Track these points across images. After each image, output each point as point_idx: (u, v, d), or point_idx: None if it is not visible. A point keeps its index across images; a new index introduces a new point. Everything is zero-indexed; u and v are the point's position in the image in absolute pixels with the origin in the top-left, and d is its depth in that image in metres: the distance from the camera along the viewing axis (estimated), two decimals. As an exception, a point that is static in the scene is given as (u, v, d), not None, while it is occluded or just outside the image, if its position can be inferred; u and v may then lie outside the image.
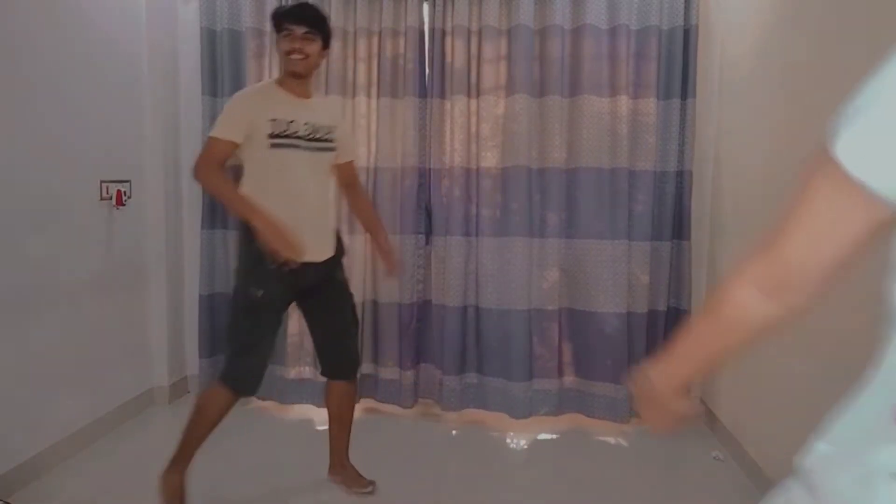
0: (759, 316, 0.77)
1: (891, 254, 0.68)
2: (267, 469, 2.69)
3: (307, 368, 3.27)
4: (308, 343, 3.25)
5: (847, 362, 1.99)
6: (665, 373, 1.01)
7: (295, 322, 3.26)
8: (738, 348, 0.87)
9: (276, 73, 3.21)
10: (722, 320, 0.84)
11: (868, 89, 0.69)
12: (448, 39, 3.14)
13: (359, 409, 3.08)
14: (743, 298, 0.77)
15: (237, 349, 2.19)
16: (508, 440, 3.04)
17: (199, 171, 2.10)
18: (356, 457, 2.68)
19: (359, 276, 3.17)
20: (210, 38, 3.24)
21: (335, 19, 3.12)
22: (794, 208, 0.74)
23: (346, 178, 2.45)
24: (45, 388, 2.59)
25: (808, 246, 0.73)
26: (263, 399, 3.30)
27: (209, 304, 3.35)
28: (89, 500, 2.42)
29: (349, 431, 2.50)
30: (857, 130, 0.64)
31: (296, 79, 2.19)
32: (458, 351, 3.18)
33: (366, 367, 3.27)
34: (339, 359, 2.40)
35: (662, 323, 3.19)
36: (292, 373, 3.28)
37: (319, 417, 3.12)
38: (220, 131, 2.11)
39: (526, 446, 2.99)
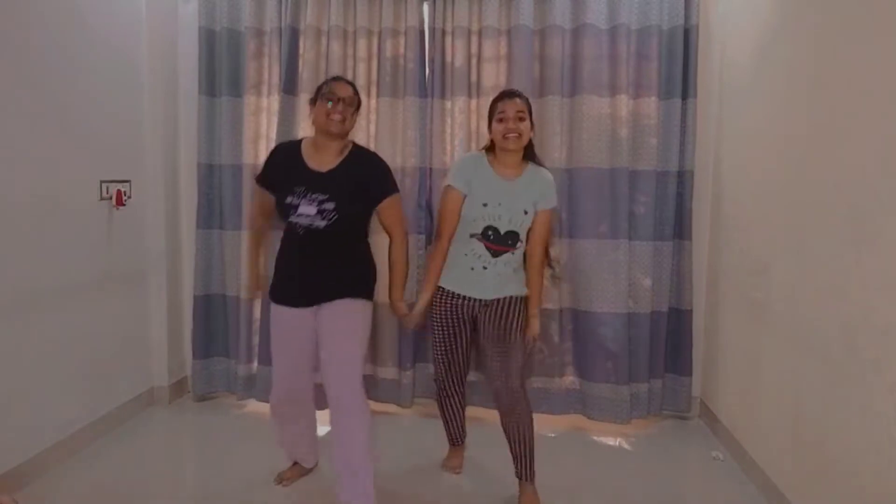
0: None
1: None
2: (263, 470, 2.69)
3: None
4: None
5: (847, 362, 2.01)
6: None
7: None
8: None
9: (275, 74, 3.22)
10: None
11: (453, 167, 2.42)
12: (448, 39, 3.14)
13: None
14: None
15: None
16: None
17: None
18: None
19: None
20: (209, 38, 3.24)
21: (335, 19, 3.12)
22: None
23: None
24: (45, 389, 2.59)
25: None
26: (261, 401, 3.31)
27: (204, 304, 3.35)
28: (89, 500, 2.42)
29: None
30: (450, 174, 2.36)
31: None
32: None
33: (367, 367, 3.27)
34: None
35: (664, 323, 3.19)
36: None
37: (318, 417, 3.12)
38: None
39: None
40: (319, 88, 2.25)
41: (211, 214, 3.31)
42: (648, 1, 3.05)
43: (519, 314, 2.40)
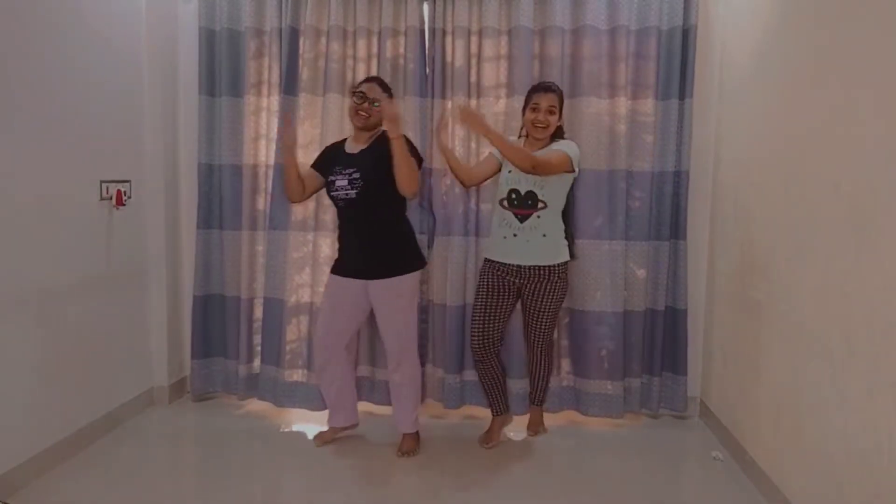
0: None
1: None
2: (262, 470, 2.69)
3: (303, 371, 3.26)
4: (304, 347, 3.26)
5: (848, 362, 2.01)
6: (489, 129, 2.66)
7: (294, 328, 3.26)
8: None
9: (275, 74, 3.22)
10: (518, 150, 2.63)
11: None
12: (448, 39, 3.14)
13: (359, 408, 3.09)
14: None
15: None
16: (507, 437, 3.04)
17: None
18: (358, 457, 2.69)
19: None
20: (209, 38, 3.24)
21: (335, 19, 3.12)
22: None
23: None
24: (45, 388, 2.59)
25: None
26: (263, 399, 3.31)
27: (204, 304, 3.35)
28: (89, 500, 2.42)
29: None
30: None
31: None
32: (458, 349, 3.18)
33: (365, 369, 3.27)
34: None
35: (660, 322, 3.20)
36: (294, 376, 3.27)
37: (314, 421, 3.13)
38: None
39: (524, 443, 2.99)
40: (355, 87, 2.78)
41: (211, 214, 3.31)
42: (648, 2, 3.05)
43: (550, 284, 2.79)
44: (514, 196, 2.74)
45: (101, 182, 2.89)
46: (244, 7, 3.18)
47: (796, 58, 2.37)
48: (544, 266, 2.76)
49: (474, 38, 3.13)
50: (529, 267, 2.76)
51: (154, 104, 3.22)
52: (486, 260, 2.87)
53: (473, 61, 3.14)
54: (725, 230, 3.06)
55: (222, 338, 3.40)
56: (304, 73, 3.16)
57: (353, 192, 2.65)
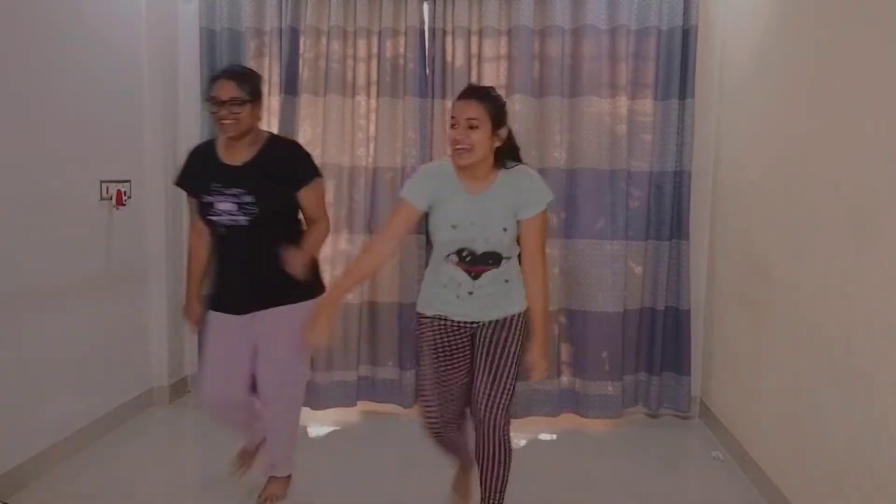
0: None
1: None
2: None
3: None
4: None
5: (848, 362, 2.01)
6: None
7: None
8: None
9: (276, 74, 3.22)
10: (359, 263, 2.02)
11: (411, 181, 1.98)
12: (448, 39, 3.14)
13: (359, 409, 3.09)
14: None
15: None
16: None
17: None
18: (357, 458, 2.68)
19: (359, 276, 3.18)
20: (209, 38, 3.24)
21: (335, 19, 3.12)
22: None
23: None
24: (45, 389, 2.58)
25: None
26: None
27: (203, 304, 3.33)
28: (89, 500, 2.42)
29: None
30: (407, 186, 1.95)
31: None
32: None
33: (365, 369, 3.27)
34: None
35: (661, 322, 3.19)
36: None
37: (316, 419, 3.13)
38: None
39: (524, 446, 2.99)
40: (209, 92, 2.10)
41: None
42: (648, 2, 3.05)
43: (518, 331, 2.02)
44: (466, 255, 1.96)
45: (101, 182, 2.89)
46: (244, 7, 3.18)
47: (796, 58, 2.37)
48: (513, 315, 2.03)
49: (474, 38, 3.13)
50: (489, 321, 2.03)
51: (154, 104, 3.22)
52: (423, 316, 2.08)
53: (473, 61, 3.14)
54: (726, 230, 3.06)
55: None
56: (305, 73, 3.16)
57: (243, 219, 2.07)
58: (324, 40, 3.17)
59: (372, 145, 3.20)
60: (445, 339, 2.05)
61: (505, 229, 1.93)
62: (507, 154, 1.96)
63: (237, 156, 2.13)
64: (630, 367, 3.20)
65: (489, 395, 1.98)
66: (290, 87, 3.18)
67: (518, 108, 3.05)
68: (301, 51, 3.18)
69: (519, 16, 3.05)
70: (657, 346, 3.21)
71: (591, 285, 3.12)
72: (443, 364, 2.05)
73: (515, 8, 3.07)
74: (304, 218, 2.26)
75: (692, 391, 3.28)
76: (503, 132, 1.91)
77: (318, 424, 3.08)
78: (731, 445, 2.86)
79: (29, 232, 2.47)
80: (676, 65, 3.08)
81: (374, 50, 3.18)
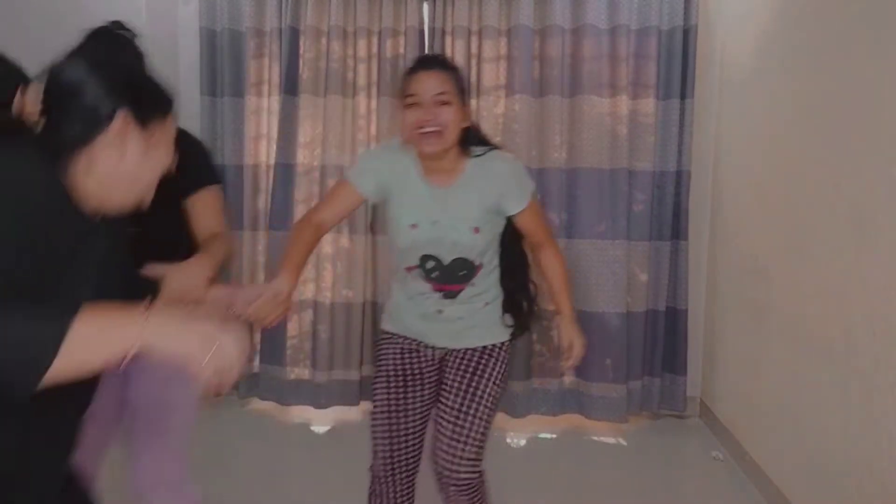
0: None
1: None
2: (265, 470, 2.69)
3: (306, 370, 3.27)
4: (307, 344, 3.26)
5: (848, 362, 2.00)
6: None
7: (294, 325, 3.26)
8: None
9: (276, 74, 3.22)
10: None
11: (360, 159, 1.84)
12: (448, 39, 3.14)
13: (358, 410, 3.09)
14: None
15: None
16: (507, 439, 3.04)
17: None
18: (358, 457, 2.67)
19: (359, 276, 3.18)
20: (210, 38, 3.24)
21: (335, 19, 3.12)
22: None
23: None
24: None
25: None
26: (263, 399, 3.31)
27: (204, 304, 3.34)
28: (90, 500, 2.42)
29: None
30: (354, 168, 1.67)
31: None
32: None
33: (366, 369, 3.27)
34: None
35: (661, 322, 3.19)
36: (291, 374, 3.28)
37: (317, 418, 3.13)
38: None
39: (525, 445, 2.99)
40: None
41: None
42: (648, 1, 3.05)
43: (499, 367, 1.69)
44: (430, 265, 1.61)
45: (102, 182, 2.89)
46: (244, 7, 3.18)
47: (796, 58, 2.37)
48: (490, 345, 1.71)
49: (474, 38, 3.13)
50: (462, 349, 1.71)
51: (154, 104, 3.22)
52: (388, 333, 1.76)
53: (473, 61, 3.14)
54: (725, 230, 3.05)
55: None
56: (305, 74, 3.16)
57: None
58: (324, 40, 3.17)
59: (372, 146, 3.20)
60: (408, 362, 1.71)
61: (477, 229, 1.58)
62: (471, 137, 1.60)
63: None
64: (635, 371, 3.18)
65: (453, 443, 1.61)
66: (290, 87, 3.18)
67: (518, 108, 3.05)
68: (301, 51, 3.18)
69: (519, 15, 3.05)
70: (658, 347, 3.22)
71: (592, 286, 3.12)
72: (401, 390, 1.69)
73: (515, 8, 3.07)
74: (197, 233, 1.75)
75: (692, 391, 3.27)
76: (469, 110, 1.60)
77: (320, 423, 3.08)
78: (731, 445, 2.86)
79: (29, 232, 2.47)
80: (677, 65, 3.08)
81: (374, 50, 3.18)
